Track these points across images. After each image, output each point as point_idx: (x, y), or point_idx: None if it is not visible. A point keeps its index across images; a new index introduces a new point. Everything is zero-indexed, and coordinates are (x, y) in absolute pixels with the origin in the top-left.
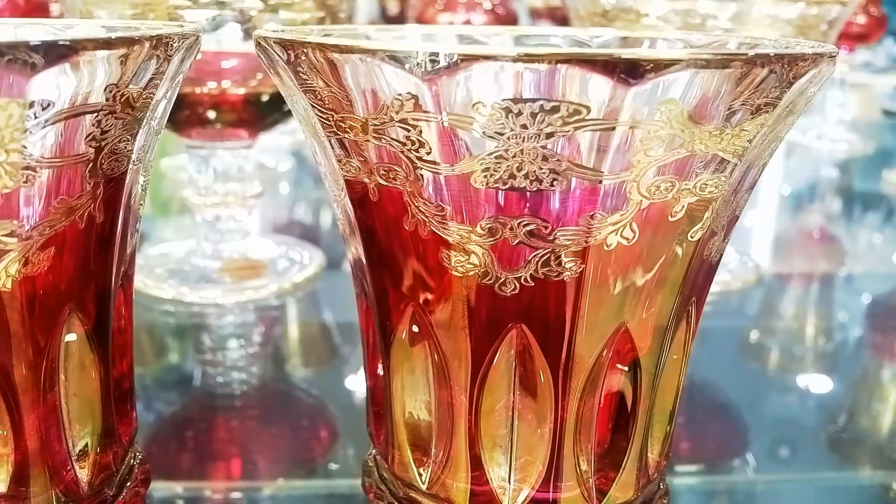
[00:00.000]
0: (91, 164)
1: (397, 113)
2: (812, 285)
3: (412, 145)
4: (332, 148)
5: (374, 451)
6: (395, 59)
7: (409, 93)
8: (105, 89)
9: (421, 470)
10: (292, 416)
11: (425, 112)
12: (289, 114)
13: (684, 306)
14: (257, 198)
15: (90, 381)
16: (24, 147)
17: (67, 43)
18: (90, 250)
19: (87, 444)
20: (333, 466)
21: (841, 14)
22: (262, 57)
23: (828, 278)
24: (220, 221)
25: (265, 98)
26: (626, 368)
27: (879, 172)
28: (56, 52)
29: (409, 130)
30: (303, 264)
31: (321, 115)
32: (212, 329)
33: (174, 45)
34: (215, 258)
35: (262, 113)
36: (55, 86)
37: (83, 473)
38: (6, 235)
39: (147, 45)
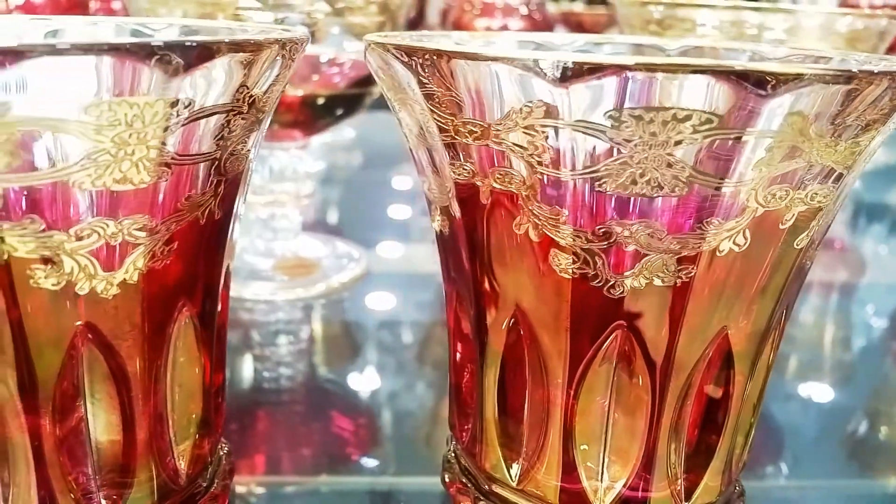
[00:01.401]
0: (216, 163)
1: (524, 119)
2: (831, 294)
3: (535, 150)
4: (445, 151)
5: (452, 446)
6: (528, 66)
7: (539, 100)
8: (236, 90)
9: (511, 466)
10: (337, 412)
11: (555, 119)
12: (340, 117)
13: (780, 312)
14: (309, 197)
15: (194, 373)
16: (164, 144)
17: (210, 45)
18: (206, 246)
19: (187, 434)
20: (372, 463)
21: (889, 27)
22: (372, 61)
23: (847, 288)
24: (274, 220)
25: (320, 101)
26: (722, 371)
27: None
28: (199, 54)
29: (533, 136)
30: (349, 264)
31: (440, 119)
32: (261, 325)
33: (297, 48)
34: (267, 256)
35: (316, 115)
36: (195, 86)
37: (182, 463)
38: (138, 229)
39: (276, 47)
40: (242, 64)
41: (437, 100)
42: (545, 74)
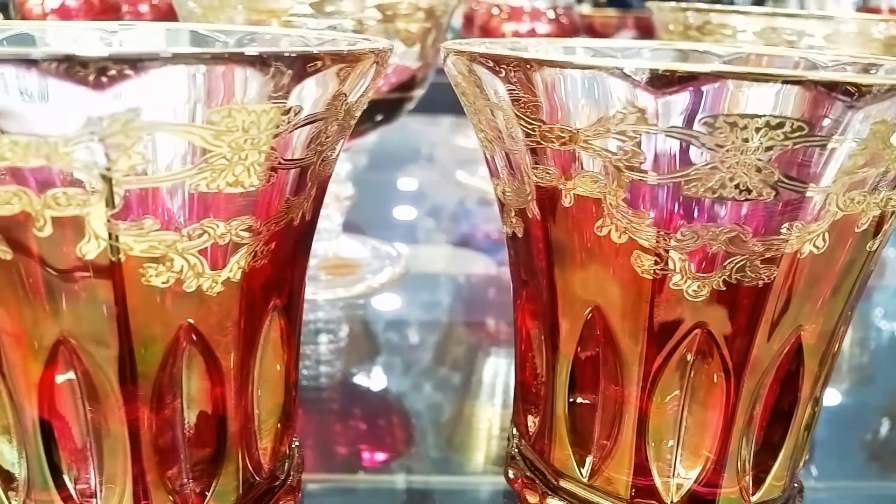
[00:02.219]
0: (312, 168)
1: (617, 125)
2: None
3: (624, 155)
4: (529, 155)
5: (515, 442)
6: (625, 75)
7: (634, 106)
8: (334, 98)
9: (581, 462)
10: (375, 410)
11: (648, 125)
12: (381, 122)
13: (847, 311)
14: (350, 199)
15: (278, 368)
16: (273, 149)
17: (318, 56)
18: (296, 246)
19: (270, 428)
20: (410, 461)
21: None
22: (452, 68)
23: (867, 290)
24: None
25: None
26: (793, 370)
27: None
28: (308, 64)
29: (624, 141)
30: (389, 264)
31: (526, 124)
32: (304, 323)
33: (387, 58)
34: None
35: (359, 119)
36: (301, 94)
37: (264, 456)
38: (244, 230)
39: (372, 57)
40: (343, 73)
41: (524, 106)
42: (641, 82)
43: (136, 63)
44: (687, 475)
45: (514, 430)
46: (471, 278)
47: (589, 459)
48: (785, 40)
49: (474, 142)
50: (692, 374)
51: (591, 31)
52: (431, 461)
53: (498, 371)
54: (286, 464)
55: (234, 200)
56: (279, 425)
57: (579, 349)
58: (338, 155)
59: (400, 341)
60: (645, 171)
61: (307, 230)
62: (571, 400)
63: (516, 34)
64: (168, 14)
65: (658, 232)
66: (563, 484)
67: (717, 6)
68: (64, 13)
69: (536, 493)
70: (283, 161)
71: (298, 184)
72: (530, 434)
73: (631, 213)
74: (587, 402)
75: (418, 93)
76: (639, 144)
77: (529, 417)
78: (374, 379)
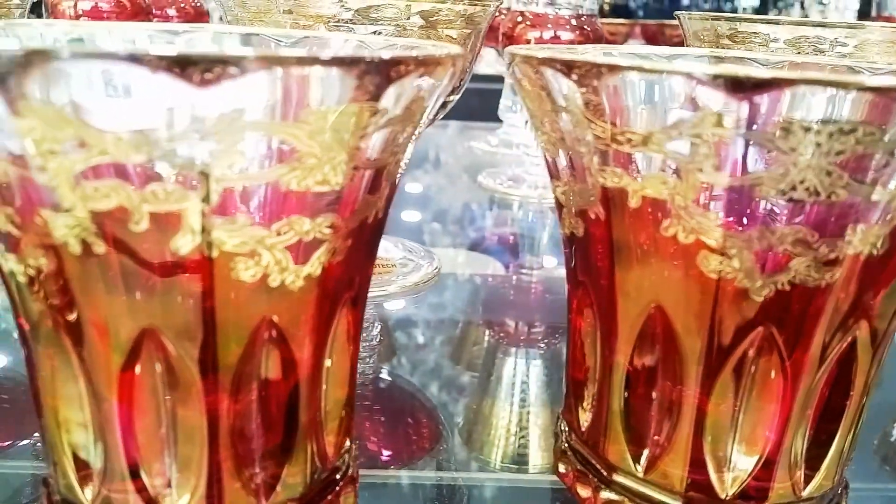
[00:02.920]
0: (387, 168)
1: (692, 128)
2: None
3: (697, 158)
4: (598, 157)
5: (565, 437)
6: (703, 80)
7: (711, 110)
8: (413, 101)
9: (637, 456)
10: (407, 409)
11: (725, 129)
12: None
13: None
14: None
15: (344, 362)
16: (358, 150)
17: (407, 60)
18: (368, 243)
19: (335, 419)
20: (441, 458)
21: None
22: (517, 72)
23: None
24: None
25: None
26: (847, 368)
27: None
28: (398, 68)
29: (698, 144)
30: (424, 265)
31: (597, 127)
32: None
33: (463, 63)
34: None
35: None
36: (388, 97)
37: (330, 448)
38: (327, 227)
39: (451, 62)
40: (425, 77)
41: (595, 109)
42: (720, 87)
43: (243, 63)
44: (742, 470)
45: (564, 426)
46: (507, 279)
47: (645, 454)
48: (817, 49)
49: (490, 146)
50: (751, 372)
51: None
52: (453, 457)
53: (537, 370)
54: (346, 456)
55: (320, 198)
56: (343, 417)
57: (637, 347)
58: (408, 157)
59: (434, 341)
60: (717, 174)
61: (378, 228)
62: (627, 396)
63: (539, 41)
64: (195, 19)
65: (726, 233)
66: (617, 478)
67: (746, 15)
68: (96, 15)
69: (589, 487)
70: (366, 161)
71: (374, 183)
72: (583, 429)
73: (700, 214)
74: (644, 398)
75: (455, 97)
76: (712, 147)
77: (582, 413)
78: (408, 377)
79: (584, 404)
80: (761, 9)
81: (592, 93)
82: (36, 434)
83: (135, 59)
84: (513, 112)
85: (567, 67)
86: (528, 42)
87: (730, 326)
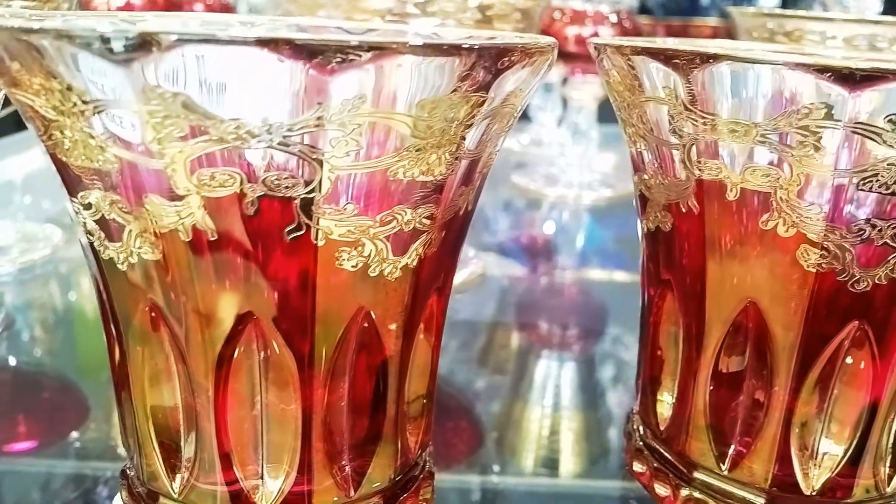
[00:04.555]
0: (482, 159)
1: (800, 120)
2: None
3: (804, 150)
4: (695, 149)
5: (639, 435)
6: (817, 71)
7: (822, 102)
8: (511, 93)
9: (721, 454)
10: (442, 410)
11: (835, 121)
12: None
13: None
14: None
15: (428, 352)
16: (463, 139)
17: (513, 48)
18: (459, 236)
19: (418, 411)
20: (480, 461)
21: None
22: (607, 63)
23: None
24: None
25: None
26: None
27: None
28: (507, 58)
29: (806, 136)
30: (467, 265)
31: (697, 119)
32: None
33: (555, 55)
34: None
35: None
36: (494, 88)
37: (413, 441)
38: (427, 217)
39: (550, 53)
40: (527, 68)
41: (697, 99)
42: (833, 79)
43: (374, 50)
44: (827, 465)
45: (637, 425)
46: (552, 280)
47: (730, 451)
48: (874, 46)
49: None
50: (842, 367)
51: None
52: (491, 460)
53: (588, 370)
54: (425, 451)
55: (421, 188)
56: (425, 411)
57: (726, 343)
58: (498, 150)
59: (480, 341)
60: (823, 166)
61: (467, 221)
62: (713, 393)
63: (579, 38)
64: (221, 13)
65: (828, 226)
66: (698, 475)
67: (801, 12)
68: (129, 10)
69: (668, 485)
70: (467, 152)
71: (468, 175)
72: (661, 428)
73: (804, 208)
74: (731, 395)
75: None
76: (820, 140)
77: (660, 412)
78: (457, 379)
79: (664, 403)
80: (781, 8)
81: (695, 83)
82: (74, 433)
83: (264, 45)
84: (542, 111)
85: (667, 57)
86: (566, 39)
87: (825, 321)
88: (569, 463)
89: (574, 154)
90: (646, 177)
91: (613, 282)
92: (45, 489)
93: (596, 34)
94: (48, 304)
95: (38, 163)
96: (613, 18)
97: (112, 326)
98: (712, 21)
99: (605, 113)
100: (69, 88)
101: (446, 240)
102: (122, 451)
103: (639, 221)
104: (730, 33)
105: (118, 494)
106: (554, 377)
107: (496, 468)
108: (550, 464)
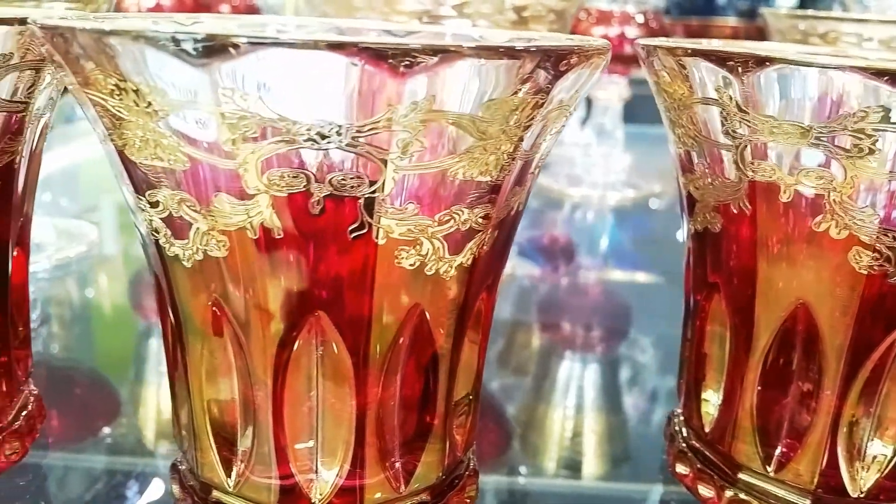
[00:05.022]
0: (533, 161)
1: (856, 122)
2: None
3: (859, 152)
4: (749, 151)
5: (682, 438)
6: (874, 73)
7: (880, 106)
8: (571, 96)
9: (767, 455)
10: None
11: (892, 124)
12: None
13: None
14: None
15: (475, 351)
16: (521, 141)
17: (571, 51)
18: (509, 236)
19: (463, 411)
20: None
21: None
22: (656, 64)
23: None
24: None
25: None
26: None
27: None
28: (568, 60)
29: (861, 139)
30: None
31: (751, 121)
32: None
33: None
34: None
35: None
36: (558, 89)
37: (461, 439)
38: (482, 217)
39: (606, 55)
40: (584, 70)
41: (750, 102)
42: (889, 82)
43: (439, 53)
44: (874, 468)
45: (680, 427)
46: (577, 279)
47: (776, 453)
48: None
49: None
50: (891, 369)
51: None
52: (514, 461)
53: (621, 372)
54: (469, 449)
55: (478, 188)
56: (471, 410)
57: (774, 345)
58: (549, 151)
59: (514, 341)
60: (878, 169)
61: (517, 221)
62: (761, 395)
63: (605, 38)
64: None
65: (882, 228)
66: (743, 476)
67: (837, 14)
68: (158, 11)
69: (712, 487)
70: (522, 153)
71: (521, 175)
72: (705, 430)
73: (858, 210)
74: (779, 396)
75: None
76: (875, 142)
77: (705, 413)
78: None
79: (709, 404)
80: (800, 8)
81: (749, 85)
82: (106, 428)
83: (337, 49)
84: None
85: (722, 59)
86: None
87: (875, 322)
88: (600, 465)
89: (598, 154)
90: (693, 178)
91: (635, 282)
92: (77, 484)
93: (622, 35)
94: (82, 300)
95: (56, 163)
96: (640, 19)
97: (171, 321)
98: (731, 21)
99: (630, 114)
100: (144, 89)
101: (498, 239)
102: (152, 445)
103: (684, 222)
104: (748, 34)
105: (146, 490)
106: (577, 378)
107: (523, 469)
108: (573, 465)
